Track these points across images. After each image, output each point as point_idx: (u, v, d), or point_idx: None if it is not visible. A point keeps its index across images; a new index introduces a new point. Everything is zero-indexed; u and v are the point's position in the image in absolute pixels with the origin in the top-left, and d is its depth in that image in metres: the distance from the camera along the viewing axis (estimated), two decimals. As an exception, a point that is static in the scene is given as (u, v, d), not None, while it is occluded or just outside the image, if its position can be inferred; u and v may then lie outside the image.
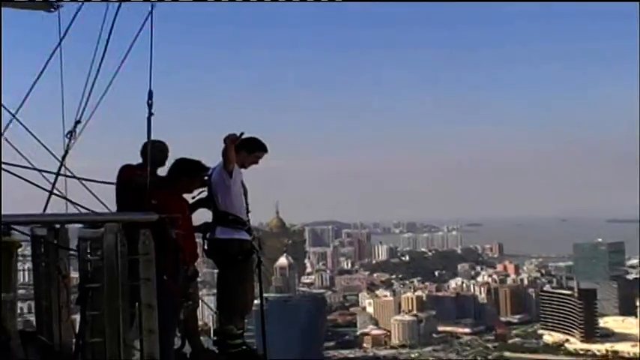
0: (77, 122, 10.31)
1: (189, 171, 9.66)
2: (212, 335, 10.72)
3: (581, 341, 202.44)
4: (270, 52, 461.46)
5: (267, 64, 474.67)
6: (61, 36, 10.39)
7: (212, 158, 10.08)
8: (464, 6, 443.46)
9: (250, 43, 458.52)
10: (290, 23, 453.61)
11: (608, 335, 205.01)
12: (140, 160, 9.80)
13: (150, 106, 8.61)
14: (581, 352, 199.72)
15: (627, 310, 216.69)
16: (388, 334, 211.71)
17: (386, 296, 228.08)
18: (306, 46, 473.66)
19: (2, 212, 7.68)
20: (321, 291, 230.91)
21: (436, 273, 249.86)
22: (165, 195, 8.98)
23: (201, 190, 10.11)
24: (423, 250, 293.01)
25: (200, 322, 14.35)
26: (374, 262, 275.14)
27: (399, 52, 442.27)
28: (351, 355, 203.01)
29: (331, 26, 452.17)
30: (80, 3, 10.13)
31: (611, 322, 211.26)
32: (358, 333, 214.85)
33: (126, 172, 9.82)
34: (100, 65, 9.79)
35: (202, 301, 11.11)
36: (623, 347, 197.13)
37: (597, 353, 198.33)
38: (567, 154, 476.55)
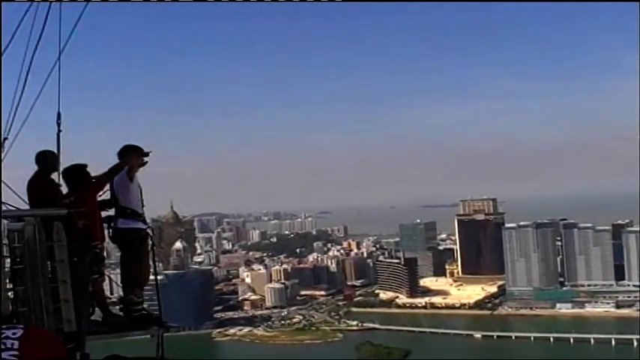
0: (5, 139, 10.10)
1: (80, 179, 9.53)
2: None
3: (407, 297, 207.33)
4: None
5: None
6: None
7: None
8: None
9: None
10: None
11: (427, 291, 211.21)
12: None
13: (59, 124, 8.52)
14: (407, 305, 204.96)
15: (439, 272, 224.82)
16: (263, 298, 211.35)
17: (260, 269, 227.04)
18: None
19: None
20: (209, 267, 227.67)
21: (297, 250, 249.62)
22: (75, 196, 8.93)
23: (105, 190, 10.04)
24: (287, 232, 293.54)
25: (116, 295, 14.10)
26: (249, 243, 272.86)
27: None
28: (236, 316, 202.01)
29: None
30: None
31: (428, 281, 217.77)
32: (240, 299, 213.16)
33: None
34: (20, 97, 9.63)
35: (109, 276, 10.97)
36: (437, 300, 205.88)
37: (419, 305, 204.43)
38: (402, 157, 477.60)
